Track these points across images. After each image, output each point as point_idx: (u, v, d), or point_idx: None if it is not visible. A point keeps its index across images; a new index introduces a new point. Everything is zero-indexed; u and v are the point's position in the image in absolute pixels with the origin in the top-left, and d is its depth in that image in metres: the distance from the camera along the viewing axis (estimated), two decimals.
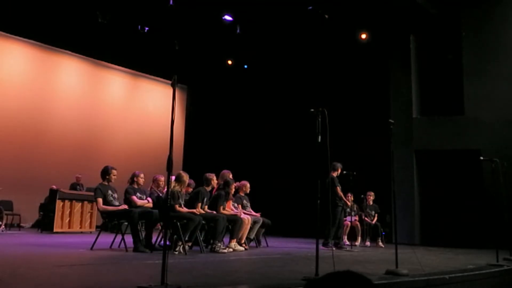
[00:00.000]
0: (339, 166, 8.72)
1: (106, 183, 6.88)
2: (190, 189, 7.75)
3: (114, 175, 6.93)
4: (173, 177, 6.97)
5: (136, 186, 7.06)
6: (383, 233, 9.92)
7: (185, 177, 6.92)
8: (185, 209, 6.72)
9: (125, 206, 6.77)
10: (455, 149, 10.91)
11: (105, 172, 6.92)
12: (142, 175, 7.16)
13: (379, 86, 12.19)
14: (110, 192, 6.79)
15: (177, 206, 6.58)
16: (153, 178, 7.59)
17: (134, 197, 6.85)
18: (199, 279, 4.12)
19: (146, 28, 11.77)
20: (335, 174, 8.67)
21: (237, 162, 11.19)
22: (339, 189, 8.60)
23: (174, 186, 6.65)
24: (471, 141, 10.74)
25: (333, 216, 8.21)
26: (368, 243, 9.81)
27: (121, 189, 7.11)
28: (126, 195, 6.92)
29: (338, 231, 8.76)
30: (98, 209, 6.91)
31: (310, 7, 10.52)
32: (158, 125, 14.54)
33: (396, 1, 10.58)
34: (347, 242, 9.25)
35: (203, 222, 6.71)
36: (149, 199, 7.03)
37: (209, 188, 7.35)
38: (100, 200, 6.67)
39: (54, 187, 10.28)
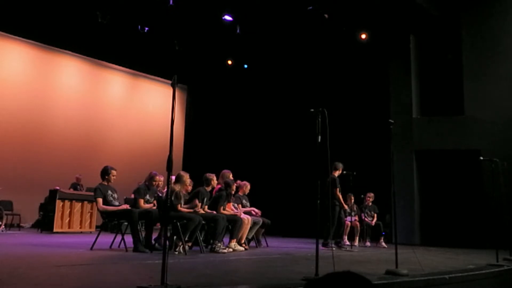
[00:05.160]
0: (340, 166, 8.74)
1: (106, 183, 6.88)
2: (190, 188, 7.73)
3: (113, 176, 6.92)
4: (173, 177, 6.97)
5: (150, 187, 7.04)
6: (383, 233, 9.91)
7: (185, 177, 6.89)
8: (185, 210, 6.72)
9: (126, 206, 6.77)
10: (455, 149, 10.91)
11: (105, 172, 6.92)
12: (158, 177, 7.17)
13: (379, 86, 12.19)
14: (110, 192, 6.79)
15: (179, 206, 6.58)
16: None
17: (141, 201, 6.85)
18: (199, 279, 4.12)
19: (146, 28, 11.76)
20: (336, 174, 8.68)
21: (237, 162, 11.19)
22: (338, 190, 8.59)
23: (174, 187, 6.63)
24: (471, 141, 10.74)
25: (332, 216, 8.22)
26: (368, 243, 9.81)
27: (121, 189, 7.11)
28: (136, 195, 6.93)
29: (340, 230, 8.76)
30: (98, 209, 6.90)
31: (310, 7, 10.51)
32: (158, 125, 14.54)
33: (396, 1, 10.58)
34: (347, 242, 9.25)
35: (203, 222, 6.71)
36: (155, 202, 7.00)
37: (209, 188, 7.34)
38: (100, 200, 6.67)
39: (58, 187, 10.27)
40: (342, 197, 8.89)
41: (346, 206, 9.01)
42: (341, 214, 8.81)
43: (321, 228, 7.60)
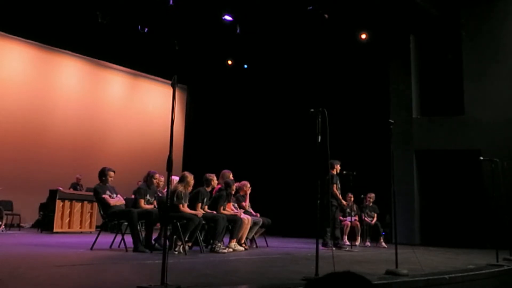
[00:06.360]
0: (336, 163, 8.66)
1: (104, 184, 6.88)
2: (190, 188, 7.71)
3: (110, 177, 6.91)
4: (176, 177, 6.97)
5: (150, 186, 7.04)
6: (383, 233, 9.91)
7: (189, 177, 6.80)
8: (188, 210, 6.70)
9: (122, 201, 6.80)
10: (455, 149, 10.91)
11: (102, 174, 6.92)
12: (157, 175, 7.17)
13: (379, 86, 12.19)
14: (108, 192, 6.80)
15: (181, 206, 6.56)
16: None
17: (142, 201, 6.85)
18: (199, 279, 4.12)
19: (146, 28, 11.76)
20: (334, 172, 8.64)
21: (237, 162, 11.19)
22: (335, 187, 8.56)
23: (177, 186, 6.63)
24: (471, 141, 10.74)
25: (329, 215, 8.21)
26: (368, 243, 9.81)
27: (121, 189, 7.13)
28: (136, 195, 6.92)
29: (335, 230, 8.74)
30: (99, 200, 6.80)
31: (310, 7, 10.51)
32: (158, 125, 14.54)
33: (396, 1, 10.58)
34: (347, 242, 9.25)
35: (203, 222, 6.70)
36: (155, 203, 7.00)
37: (209, 189, 7.34)
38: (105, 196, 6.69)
39: (61, 188, 10.26)
40: (342, 197, 8.88)
41: (344, 203, 8.98)
42: (336, 214, 8.77)
43: (320, 227, 7.61)
